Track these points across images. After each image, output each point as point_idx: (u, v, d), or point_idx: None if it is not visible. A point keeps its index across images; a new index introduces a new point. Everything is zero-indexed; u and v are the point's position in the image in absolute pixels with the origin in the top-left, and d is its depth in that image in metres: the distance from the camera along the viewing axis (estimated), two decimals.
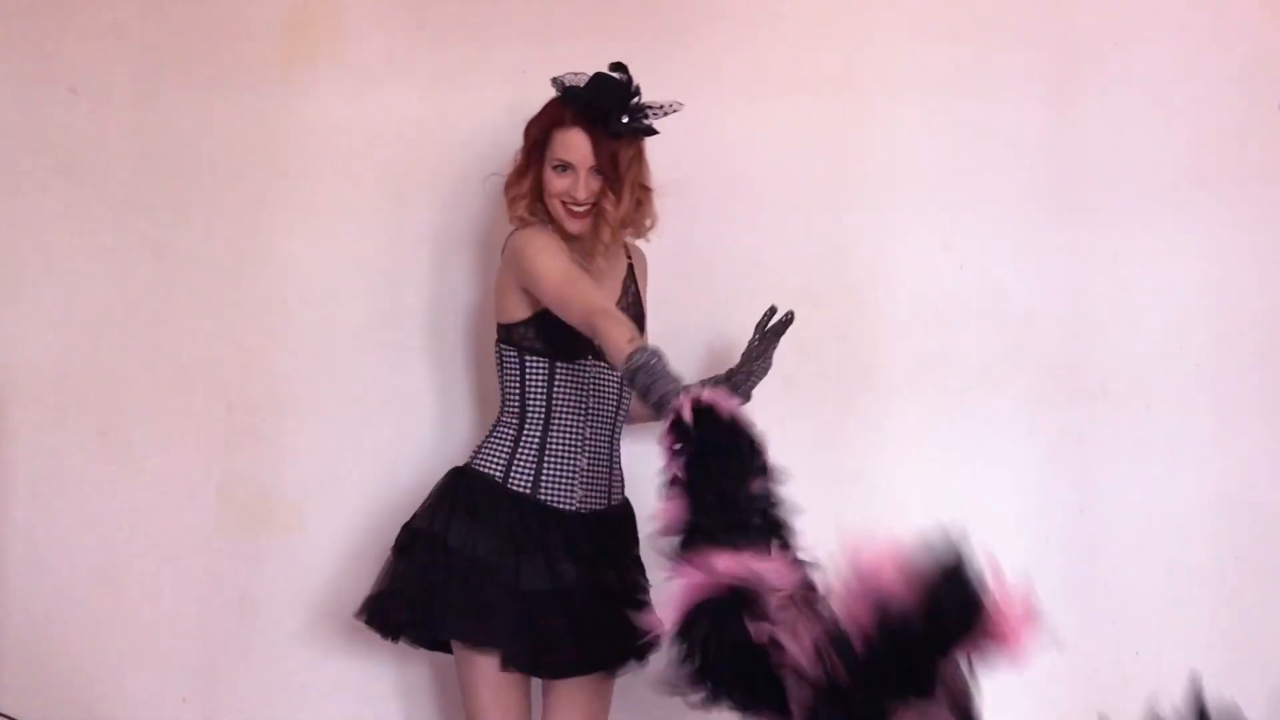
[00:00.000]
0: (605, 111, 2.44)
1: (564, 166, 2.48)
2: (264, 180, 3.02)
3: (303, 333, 2.98)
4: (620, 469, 2.61)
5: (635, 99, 2.47)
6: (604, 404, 2.57)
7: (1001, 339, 2.97)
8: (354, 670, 2.93)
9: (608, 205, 2.48)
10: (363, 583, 2.95)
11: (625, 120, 2.45)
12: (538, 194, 2.52)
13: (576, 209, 2.49)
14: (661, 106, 2.49)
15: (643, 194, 2.53)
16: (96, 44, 3.04)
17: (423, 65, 3.02)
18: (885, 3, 3.05)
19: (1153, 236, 2.98)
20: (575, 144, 2.46)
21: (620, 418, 2.61)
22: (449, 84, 3.01)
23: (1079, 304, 2.98)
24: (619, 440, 2.61)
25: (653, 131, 2.49)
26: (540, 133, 2.51)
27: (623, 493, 2.62)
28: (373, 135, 3.01)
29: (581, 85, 2.46)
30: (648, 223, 2.57)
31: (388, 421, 2.96)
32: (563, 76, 2.48)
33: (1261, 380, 2.96)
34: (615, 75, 2.47)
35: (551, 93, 2.50)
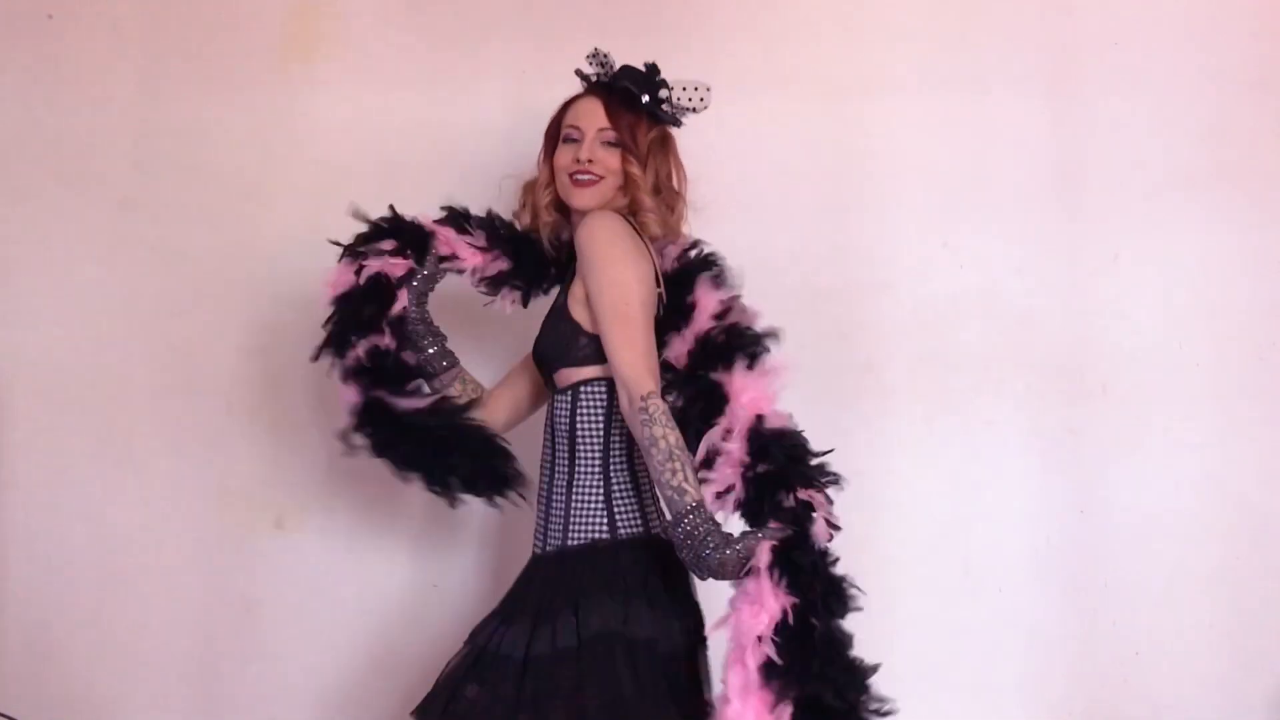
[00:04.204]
0: (624, 86, 2.31)
1: (573, 132, 2.31)
2: (264, 180, 3.02)
3: (303, 333, 2.98)
4: (560, 511, 2.23)
5: (660, 89, 2.31)
6: (549, 435, 2.31)
7: (1001, 339, 2.97)
8: (353, 670, 2.94)
9: (633, 170, 2.27)
10: (362, 582, 2.96)
11: (644, 98, 2.30)
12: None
13: (581, 177, 2.28)
14: (687, 88, 2.32)
15: (667, 190, 2.33)
16: (96, 44, 3.04)
17: (423, 65, 3.02)
18: (885, 3, 3.05)
19: (1153, 236, 2.98)
20: (587, 109, 2.31)
21: (559, 450, 2.26)
22: (449, 84, 3.01)
23: (1079, 304, 2.98)
24: (560, 478, 2.25)
25: (674, 121, 2.35)
26: (555, 117, 2.37)
27: (562, 539, 2.21)
28: (372, 135, 3.01)
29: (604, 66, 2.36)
30: (673, 221, 2.33)
31: None
32: (583, 67, 2.38)
33: (1261, 380, 2.96)
34: (642, 69, 2.35)
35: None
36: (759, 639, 1.98)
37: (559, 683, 2.08)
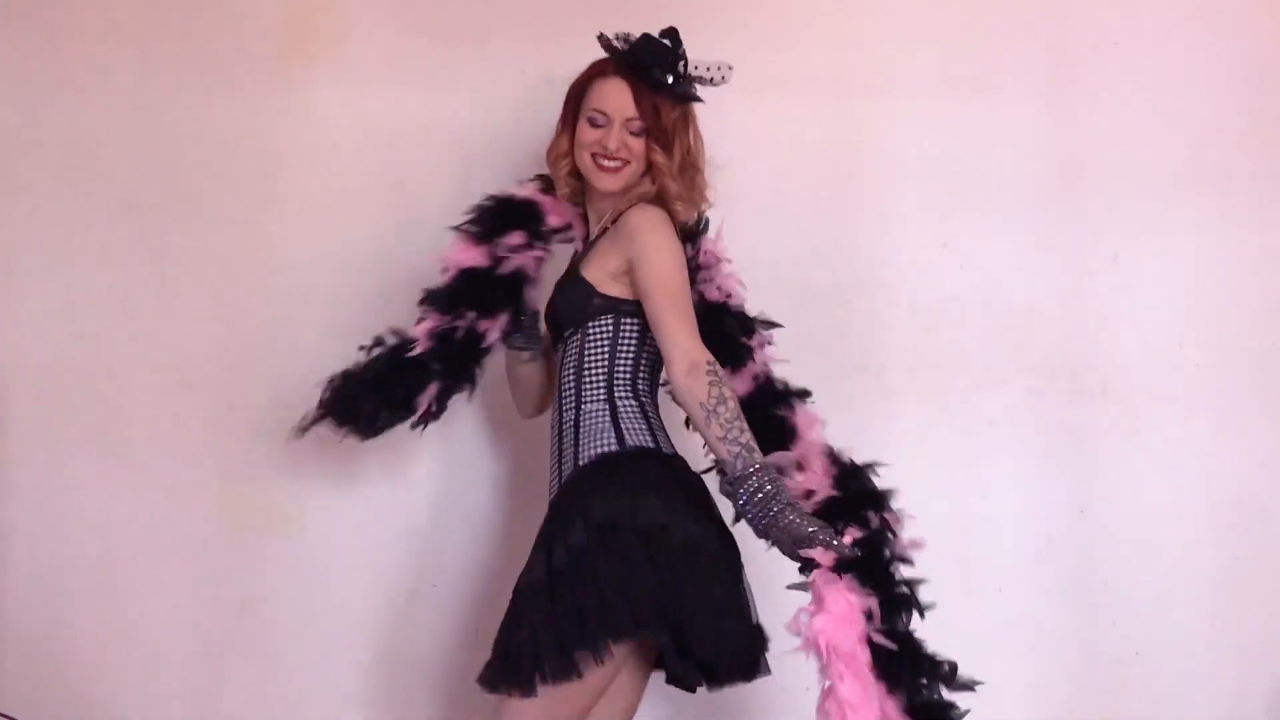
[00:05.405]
0: (648, 66, 2.33)
1: (599, 117, 2.34)
2: (264, 180, 3.02)
3: (303, 333, 2.98)
4: (571, 440, 2.30)
5: (682, 64, 2.35)
6: (559, 383, 2.38)
7: (1001, 339, 2.97)
8: (353, 670, 2.93)
9: (659, 158, 2.34)
10: (362, 582, 2.96)
11: (669, 80, 2.34)
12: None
13: (607, 163, 2.34)
14: (710, 67, 2.36)
15: (688, 165, 2.38)
16: (96, 44, 3.04)
17: (423, 65, 3.02)
18: (885, 3, 3.05)
19: (1153, 236, 2.98)
20: (613, 93, 2.34)
21: (565, 388, 2.34)
22: (449, 84, 3.01)
23: (1079, 304, 2.98)
24: (569, 413, 2.32)
25: (697, 98, 2.38)
26: (579, 86, 2.39)
27: (574, 463, 2.28)
28: (373, 135, 3.01)
29: (627, 43, 2.36)
30: (696, 197, 2.39)
31: None
32: (609, 35, 2.39)
33: (1261, 380, 2.96)
34: (664, 40, 2.36)
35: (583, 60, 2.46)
36: (861, 640, 2.06)
37: (580, 576, 2.12)
